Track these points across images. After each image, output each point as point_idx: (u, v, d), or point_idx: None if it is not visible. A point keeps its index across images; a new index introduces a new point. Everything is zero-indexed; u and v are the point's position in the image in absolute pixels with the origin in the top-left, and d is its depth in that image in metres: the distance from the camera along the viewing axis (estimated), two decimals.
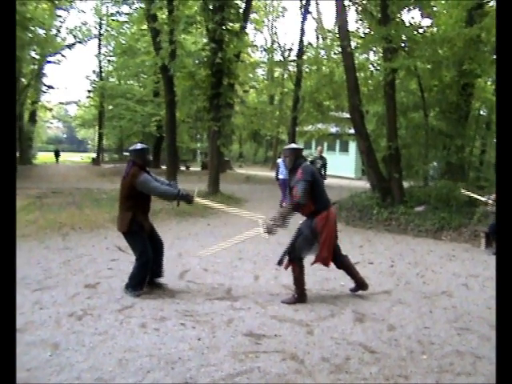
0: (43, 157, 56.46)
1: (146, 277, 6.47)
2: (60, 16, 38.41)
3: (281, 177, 15.90)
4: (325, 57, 24.38)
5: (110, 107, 39.06)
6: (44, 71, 41.99)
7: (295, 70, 29.79)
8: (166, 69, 18.99)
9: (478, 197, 10.33)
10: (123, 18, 34.51)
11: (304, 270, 6.25)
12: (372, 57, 19.01)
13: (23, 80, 36.39)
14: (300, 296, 6.21)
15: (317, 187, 6.13)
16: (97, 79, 44.17)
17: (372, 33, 15.00)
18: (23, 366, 4.22)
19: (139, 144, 6.73)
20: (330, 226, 6.14)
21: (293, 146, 6.72)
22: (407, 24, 13.83)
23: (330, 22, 48.42)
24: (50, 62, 37.65)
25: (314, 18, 37.24)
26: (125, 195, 6.36)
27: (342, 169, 30.07)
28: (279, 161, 16.52)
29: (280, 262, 6.32)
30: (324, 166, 14.87)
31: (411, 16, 47.26)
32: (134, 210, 6.29)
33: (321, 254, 6.15)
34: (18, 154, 36.19)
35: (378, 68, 17.10)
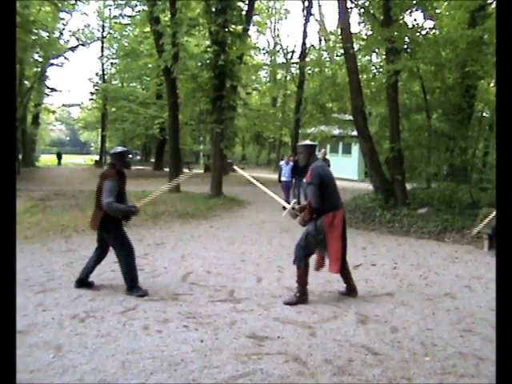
0: (46, 159, 56.67)
1: (136, 269, 6.57)
2: (63, 19, 38.43)
3: (283, 179, 15.94)
4: (327, 59, 24.44)
5: (113, 109, 39.10)
6: (47, 74, 42.02)
7: (298, 72, 29.80)
8: (168, 71, 19.03)
9: (489, 218, 9.36)
10: (126, 21, 34.58)
11: (308, 268, 6.26)
12: (374, 59, 19.03)
13: (26, 82, 36.40)
14: (301, 295, 6.22)
15: (325, 188, 6.08)
16: (100, 82, 44.24)
17: (375, 35, 15.00)
18: (26, 368, 4.23)
19: (119, 147, 6.94)
20: (335, 227, 6.12)
21: (307, 142, 6.61)
22: (410, 26, 13.82)
23: (332, 24, 48.43)
24: (52, 64, 37.57)
25: (316, 20, 37.44)
26: (98, 194, 6.51)
27: (345, 171, 30.02)
28: (282, 163, 16.56)
29: (295, 261, 6.30)
30: None
31: (414, 18, 47.56)
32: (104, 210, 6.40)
33: (332, 263, 6.16)
34: (21, 157, 36.24)
35: (381, 70, 17.10)
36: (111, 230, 6.52)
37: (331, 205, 6.15)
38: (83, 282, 6.71)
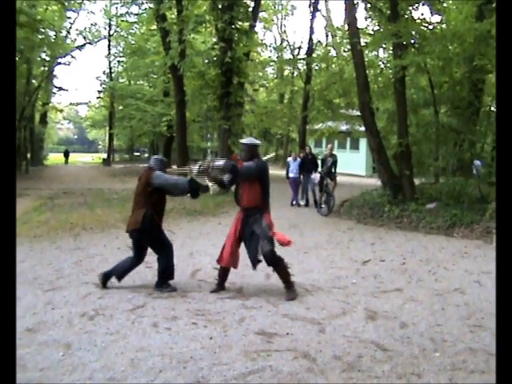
0: (54, 158, 56.85)
1: (173, 268, 6.71)
2: (70, 17, 38.62)
3: (291, 175, 15.90)
4: (334, 54, 24.37)
5: (121, 108, 39.17)
6: (54, 73, 42.24)
7: (305, 68, 29.72)
8: (175, 68, 19.05)
9: None
10: (133, 19, 34.63)
11: (283, 262, 6.35)
12: (382, 54, 18.98)
13: (34, 82, 36.55)
14: (293, 286, 6.37)
15: (265, 186, 6.35)
16: (107, 80, 44.27)
17: (382, 30, 14.94)
18: (36, 366, 4.25)
19: (158, 155, 7.14)
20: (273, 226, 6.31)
21: (251, 141, 6.65)
22: (417, 20, 13.75)
23: (339, 19, 48.19)
24: (60, 63, 37.76)
25: (323, 16, 37.25)
26: (138, 193, 6.60)
27: (353, 166, 29.92)
28: (290, 159, 16.54)
29: (255, 264, 6.39)
30: (334, 163, 14.82)
31: (421, 12, 47.27)
32: (147, 208, 6.44)
33: (283, 237, 6.25)
34: (29, 156, 36.39)
35: (388, 65, 17.04)
36: (149, 232, 6.54)
37: (268, 205, 6.46)
38: (107, 278, 6.70)
